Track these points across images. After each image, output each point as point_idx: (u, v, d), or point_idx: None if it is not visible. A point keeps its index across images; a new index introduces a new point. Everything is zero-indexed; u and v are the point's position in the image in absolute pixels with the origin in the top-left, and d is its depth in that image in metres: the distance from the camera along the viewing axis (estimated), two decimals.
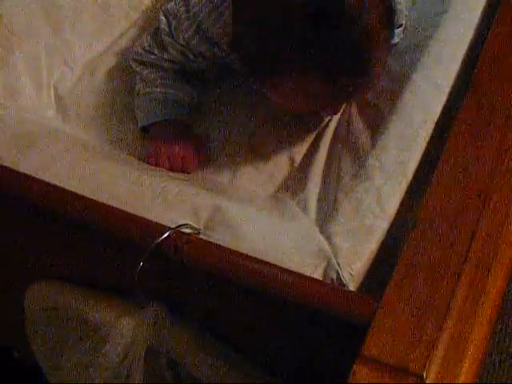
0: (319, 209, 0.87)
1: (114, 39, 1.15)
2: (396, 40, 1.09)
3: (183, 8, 1.00)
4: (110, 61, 1.11)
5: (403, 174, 0.84)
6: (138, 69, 1.04)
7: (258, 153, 1.00)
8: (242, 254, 0.74)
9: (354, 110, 0.99)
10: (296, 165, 0.98)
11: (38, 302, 0.90)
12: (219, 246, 0.75)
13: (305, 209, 0.87)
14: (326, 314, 0.70)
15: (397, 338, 0.67)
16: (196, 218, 0.80)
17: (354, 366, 0.65)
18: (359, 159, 0.90)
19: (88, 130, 1.03)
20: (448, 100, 0.93)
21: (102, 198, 0.80)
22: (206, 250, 0.75)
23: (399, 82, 0.97)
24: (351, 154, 0.92)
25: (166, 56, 1.02)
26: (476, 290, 0.71)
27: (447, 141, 0.82)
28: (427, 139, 0.88)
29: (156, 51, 1.03)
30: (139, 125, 1.02)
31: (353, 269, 0.75)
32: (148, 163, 0.97)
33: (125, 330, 0.82)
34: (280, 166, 0.98)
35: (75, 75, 1.09)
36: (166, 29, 1.02)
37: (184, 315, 0.81)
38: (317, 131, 1.00)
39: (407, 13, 1.10)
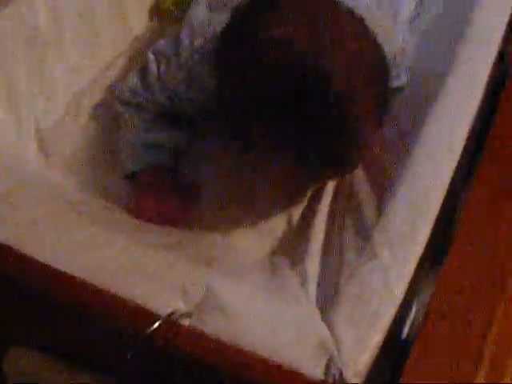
0: (320, 286, 0.80)
1: (100, 71, 1.07)
2: (403, 80, 1.02)
3: (172, 51, 0.93)
4: (96, 96, 1.04)
5: (412, 251, 0.77)
6: (121, 110, 0.97)
7: (253, 208, 0.93)
8: (236, 349, 0.68)
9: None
10: (293, 224, 0.92)
11: (18, 367, 0.84)
12: (212, 338, 0.69)
13: (305, 282, 0.81)
14: None
15: None
16: (187, 299, 0.73)
17: None
18: (364, 230, 0.83)
19: (71, 176, 0.96)
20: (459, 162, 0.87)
21: (89, 273, 0.73)
22: (197, 343, 0.69)
23: (408, 136, 0.90)
24: (355, 223, 0.85)
25: (151, 99, 0.95)
26: None
27: (461, 218, 0.76)
28: (438, 207, 0.81)
29: (142, 92, 0.96)
30: (123, 172, 0.95)
31: (357, 364, 0.69)
32: (132, 216, 0.91)
33: None
34: (276, 224, 0.92)
35: (58, 111, 1.02)
36: (155, 70, 0.95)
37: None
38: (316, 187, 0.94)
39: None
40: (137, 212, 0.91)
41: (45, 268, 0.73)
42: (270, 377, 0.68)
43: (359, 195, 0.88)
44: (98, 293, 0.71)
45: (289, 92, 0.75)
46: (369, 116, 0.79)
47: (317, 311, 0.75)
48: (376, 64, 0.81)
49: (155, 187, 0.94)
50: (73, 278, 0.72)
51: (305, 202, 0.93)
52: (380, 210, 0.83)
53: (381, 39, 0.89)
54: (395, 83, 1.01)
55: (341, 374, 0.69)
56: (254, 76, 0.76)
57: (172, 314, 0.71)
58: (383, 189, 0.86)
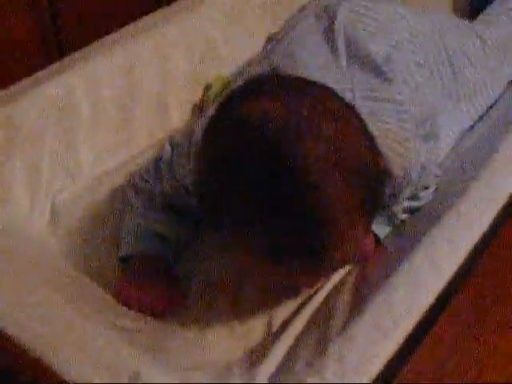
0: None
1: (131, 158, 1.09)
2: (422, 202, 0.96)
3: (186, 142, 0.92)
4: (118, 180, 1.05)
5: (362, 374, 0.69)
6: (130, 195, 0.97)
7: (236, 310, 0.88)
8: None
9: (348, 283, 0.86)
10: (273, 331, 0.85)
11: None
12: None
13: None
14: None
15: None
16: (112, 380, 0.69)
17: None
18: (324, 342, 0.75)
19: (71, 257, 0.95)
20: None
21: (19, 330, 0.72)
22: None
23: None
24: (318, 335, 0.78)
25: (158, 187, 0.94)
26: None
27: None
28: (405, 334, 0.73)
29: (151, 180, 0.95)
30: (118, 255, 0.94)
31: None
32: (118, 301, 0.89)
33: None
34: (255, 328, 0.86)
35: (77, 189, 1.04)
36: (168, 159, 0.94)
37: None
38: (304, 298, 0.88)
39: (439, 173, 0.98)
40: (122, 298, 0.89)
41: None
42: None
43: (332, 312, 0.81)
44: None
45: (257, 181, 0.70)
46: (349, 215, 0.71)
47: None
48: (363, 172, 0.73)
49: (143, 274, 0.91)
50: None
51: (287, 312, 0.86)
52: (343, 328, 0.75)
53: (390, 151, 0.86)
54: (411, 203, 0.95)
55: None
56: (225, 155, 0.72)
57: None
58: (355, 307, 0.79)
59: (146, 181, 0.96)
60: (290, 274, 0.78)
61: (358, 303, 0.78)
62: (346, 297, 0.84)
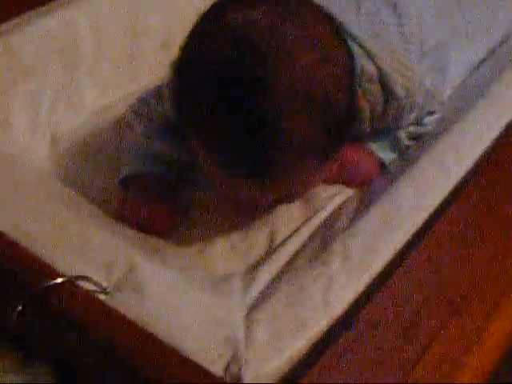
0: (262, 291, 0.71)
1: (132, 92, 1.06)
2: (427, 129, 0.94)
3: None
4: (120, 113, 1.01)
5: (368, 267, 0.67)
6: (128, 117, 0.95)
7: (237, 227, 0.86)
8: (129, 328, 0.61)
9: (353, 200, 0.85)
10: (274, 246, 0.83)
11: None
12: (107, 309, 0.62)
13: (248, 287, 0.72)
14: None
15: None
16: (108, 275, 0.67)
17: None
18: (327, 242, 0.74)
19: (71, 184, 0.91)
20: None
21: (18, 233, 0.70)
22: (91, 311, 0.63)
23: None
24: (322, 236, 0.77)
25: (159, 108, 0.92)
26: None
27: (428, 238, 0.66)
28: (414, 230, 0.71)
29: (152, 101, 0.94)
30: (118, 178, 0.91)
31: (263, 368, 0.59)
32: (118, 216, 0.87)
33: None
34: (258, 245, 0.84)
35: (78, 121, 1.02)
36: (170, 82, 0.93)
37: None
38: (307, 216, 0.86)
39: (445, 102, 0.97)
40: (122, 212, 0.87)
41: None
42: (165, 360, 0.59)
43: (340, 213, 0.80)
44: (9, 244, 0.67)
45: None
46: (297, 134, 0.71)
47: (241, 310, 0.66)
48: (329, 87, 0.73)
49: (144, 192, 0.89)
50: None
51: (292, 227, 0.84)
52: (348, 226, 0.73)
53: (388, 67, 0.85)
54: (416, 128, 0.94)
55: (238, 373, 0.59)
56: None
57: (81, 278, 0.65)
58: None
59: (147, 104, 0.94)
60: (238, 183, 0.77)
61: (365, 207, 0.77)
62: (351, 207, 0.82)
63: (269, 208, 0.86)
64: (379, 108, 0.88)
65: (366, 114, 0.88)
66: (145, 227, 0.85)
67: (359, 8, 0.94)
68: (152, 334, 0.60)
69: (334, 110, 0.73)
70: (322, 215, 0.85)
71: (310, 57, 0.72)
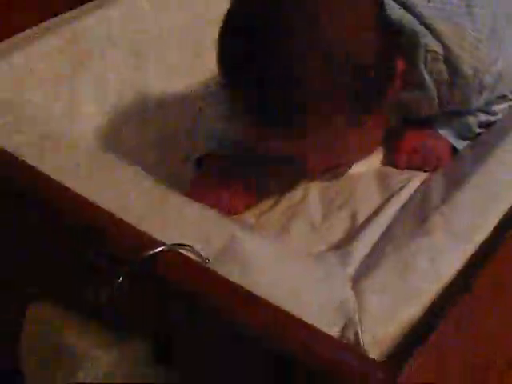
0: (362, 263, 0.70)
1: (200, 82, 1.06)
2: (498, 117, 0.93)
3: None
4: (188, 98, 1.03)
5: (471, 240, 0.66)
6: (201, 103, 0.96)
7: (316, 208, 0.85)
8: (240, 291, 0.60)
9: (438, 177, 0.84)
10: (357, 226, 0.82)
11: (32, 323, 0.79)
12: (216, 275, 0.61)
13: (346, 258, 0.72)
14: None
15: None
16: (207, 246, 0.66)
17: None
18: (424, 213, 0.72)
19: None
20: None
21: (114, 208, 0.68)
22: (199, 278, 0.61)
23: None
24: (416, 211, 0.76)
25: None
26: None
27: None
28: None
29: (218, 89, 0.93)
30: (193, 157, 0.91)
31: (378, 333, 0.58)
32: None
33: (101, 362, 0.68)
34: (339, 225, 0.83)
35: (144, 106, 1.02)
36: None
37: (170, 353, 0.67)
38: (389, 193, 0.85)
39: None
40: (198, 194, 0.83)
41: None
42: (281, 325, 0.58)
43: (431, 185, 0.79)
44: (108, 215, 0.66)
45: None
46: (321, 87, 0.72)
47: (347, 278, 0.65)
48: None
49: (218, 173, 0.88)
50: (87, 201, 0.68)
51: (373, 207, 0.83)
52: (445, 198, 0.72)
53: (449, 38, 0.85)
54: (488, 117, 0.93)
55: (357, 337, 0.57)
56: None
57: (183, 246, 0.64)
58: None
59: (214, 92, 0.93)
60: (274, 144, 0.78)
61: (457, 183, 0.76)
62: (440, 184, 0.81)
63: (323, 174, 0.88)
64: (445, 87, 0.88)
65: (432, 94, 0.88)
66: (221, 210, 0.84)
67: None
68: (263, 299, 0.59)
69: (358, 70, 0.73)
70: (402, 195, 0.84)
71: (336, 20, 0.73)
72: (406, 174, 0.90)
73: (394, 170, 0.91)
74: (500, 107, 0.94)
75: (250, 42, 0.74)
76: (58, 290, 0.74)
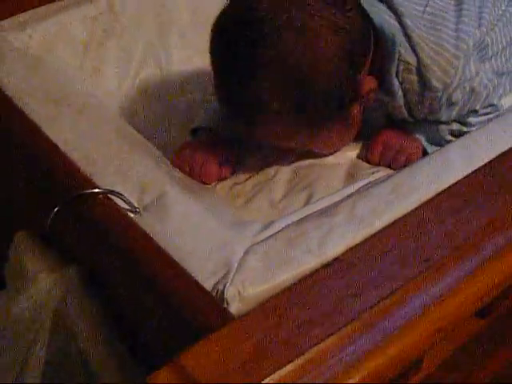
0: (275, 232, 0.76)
1: None
2: (471, 129, 0.97)
3: None
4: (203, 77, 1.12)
5: (370, 224, 0.72)
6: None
7: (278, 189, 0.93)
8: (147, 243, 0.71)
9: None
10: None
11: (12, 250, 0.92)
12: (132, 223, 0.72)
13: (265, 228, 0.77)
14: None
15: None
16: (141, 197, 0.77)
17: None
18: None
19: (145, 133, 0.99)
20: None
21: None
22: (117, 222, 0.72)
23: None
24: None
25: None
26: None
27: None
28: (422, 200, 0.75)
29: None
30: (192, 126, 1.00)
31: (246, 290, 0.66)
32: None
33: (41, 285, 0.79)
34: (295, 204, 0.90)
35: (163, 79, 1.13)
36: None
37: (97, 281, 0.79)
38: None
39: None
40: (176, 158, 0.93)
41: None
42: (164, 270, 0.68)
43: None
44: (59, 154, 0.79)
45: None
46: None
47: (247, 243, 0.72)
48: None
49: (203, 143, 0.96)
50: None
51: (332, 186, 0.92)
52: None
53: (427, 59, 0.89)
54: (460, 127, 0.97)
55: (222, 292, 0.66)
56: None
57: (115, 193, 0.74)
58: None
59: None
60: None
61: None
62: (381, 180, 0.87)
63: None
64: (416, 97, 0.92)
65: (399, 101, 0.93)
66: (194, 176, 0.93)
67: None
68: (163, 250, 0.69)
69: (308, 91, 0.82)
70: (358, 185, 0.90)
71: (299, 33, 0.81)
72: (375, 168, 0.96)
73: (366, 164, 0.97)
74: (476, 120, 0.98)
75: (228, 46, 0.84)
76: (27, 217, 0.88)
